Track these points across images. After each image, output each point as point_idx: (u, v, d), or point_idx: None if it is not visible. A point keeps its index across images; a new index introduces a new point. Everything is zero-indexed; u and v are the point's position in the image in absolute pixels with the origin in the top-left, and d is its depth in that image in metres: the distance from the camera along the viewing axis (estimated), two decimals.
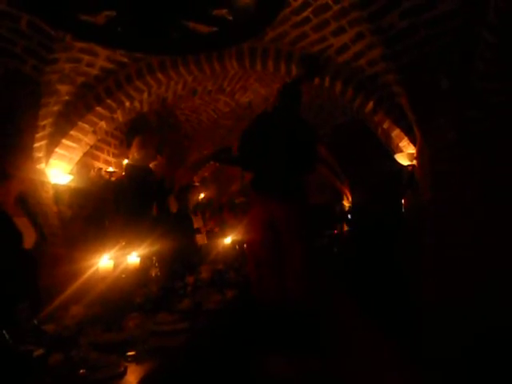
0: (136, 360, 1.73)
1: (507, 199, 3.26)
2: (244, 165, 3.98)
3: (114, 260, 2.66)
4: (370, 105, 4.00)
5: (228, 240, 5.72)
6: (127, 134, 5.54)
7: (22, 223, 2.50)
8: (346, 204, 7.17)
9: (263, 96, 5.77)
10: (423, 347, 3.07)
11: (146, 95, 4.69)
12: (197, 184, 7.10)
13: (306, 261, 3.40)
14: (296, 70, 4.10)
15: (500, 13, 3.02)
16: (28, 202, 2.75)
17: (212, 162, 7.32)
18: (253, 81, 5.38)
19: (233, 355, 2.82)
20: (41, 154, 4.12)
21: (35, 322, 1.82)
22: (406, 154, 3.90)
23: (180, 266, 3.80)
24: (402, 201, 4.36)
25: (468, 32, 3.25)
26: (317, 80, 4.07)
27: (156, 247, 3.42)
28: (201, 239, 5.35)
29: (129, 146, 5.17)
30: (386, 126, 4.02)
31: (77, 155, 4.57)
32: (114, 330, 2.00)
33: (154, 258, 3.05)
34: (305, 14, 3.61)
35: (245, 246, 6.21)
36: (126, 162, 4.98)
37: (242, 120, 6.45)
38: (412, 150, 3.88)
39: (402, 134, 3.92)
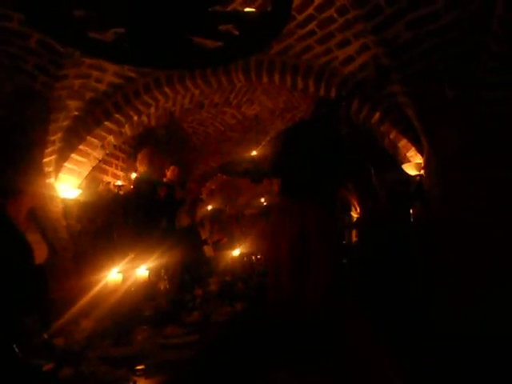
0: (145, 374, 1.73)
1: None
2: (275, 173, 4.00)
3: (123, 273, 2.67)
4: (377, 115, 4.01)
5: (236, 252, 5.71)
6: (136, 148, 5.60)
7: (34, 238, 2.53)
8: (354, 215, 7.14)
9: (270, 108, 5.81)
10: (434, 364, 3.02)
11: (153, 109, 4.75)
12: (204, 196, 7.13)
13: (332, 270, 3.40)
14: (302, 82, 4.14)
15: (504, 22, 3.04)
16: (38, 217, 2.78)
17: (220, 174, 7.34)
18: (259, 93, 5.42)
19: (241, 368, 2.80)
20: (50, 169, 4.17)
21: (45, 336, 1.83)
22: (413, 164, 3.89)
23: (189, 279, 3.80)
24: (411, 211, 4.33)
25: (472, 41, 3.26)
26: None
27: (164, 260, 3.42)
28: (208, 251, 5.35)
29: (137, 159, 5.23)
30: (392, 136, 4.02)
31: (86, 169, 4.62)
32: (123, 344, 2.00)
33: (163, 270, 3.06)
34: (310, 27, 3.64)
35: (259, 255, 6.21)
36: (134, 175, 5.02)
37: (249, 132, 6.49)
38: (419, 159, 3.87)
39: (410, 144, 3.92)
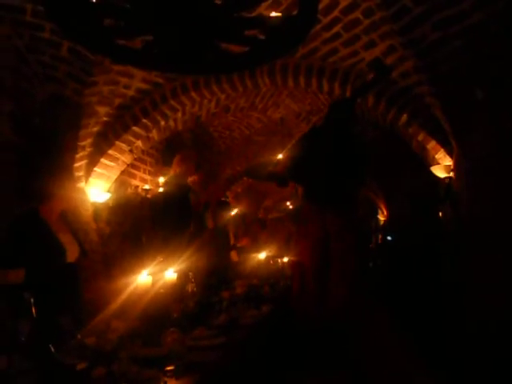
0: (175, 375, 1.75)
1: None
2: (295, 179, 4.00)
3: (153, 276, 2.71)
4: (404, 117, 3.96)
5: (262, 255, 5.72)
6: (164, 152, 5.69)
7: (65, 240, 2.60)
8: (382, 218, 7.06)
9: (295, 111, 5.82)
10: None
11: (180, 114, 4.82)
12: (230, 199, 7.18)
13: (355, 274, 3.38)
14: (327, 85, 4.13)
15: None
16: (69, 220, 2.86)
17: (245, 178, 7.38)
18: (284, 97, 5.43)
19: (268, 371, 2.81)
20: (81, 173, 4.28)
21: (79, 336, 1.88)
22: (442, 166, 3.82)
23: (215, 281, 3.84)
24: (440, 214, 4.26)
25: (500, 41, 3.19)
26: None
27: (192, 263, 3.47)
28: (233, 254, 5.38)
29: (165, 163, 5.30)
30: (420, 138, 3.96)
31: (114, 174, 4.72)
32: (152, 345, 2.04)
33: (191, 273, 3.09)
34: (335, 29, 3.64)
35: (290, 260, 6.20)
36: (161, 179, 5.10)
37: (274, 135, 6.51)
38: (449, 162, 3.80)
39: (438, 146, 3.86)
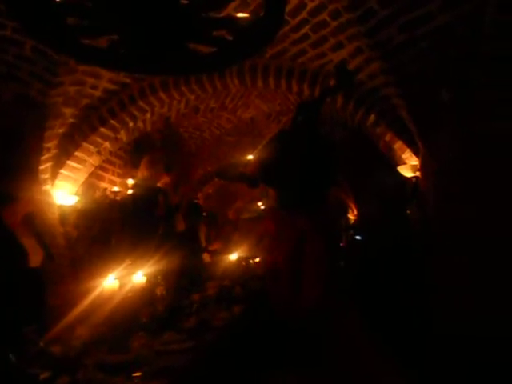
0: (142, 381, 1.72)
1: None
2: (265, 181, 3.98)
3: (120, 280, 2.66)
4: (372, 118, 4.03)
5: (234, 256, 5.70)
6: (132, 154, 5.60)
7: (30, 244, 2.53)
8: (352, 217, 7.16)
9: (265, 112, 5.83)
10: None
11: (149, 115, 4.75)
12: (201, 201, 7.13)
13: (329, 273, 3.40)
14: (296, 86, 4.15)
15: (496, 24, 3.06)
16: (35, 223, 2.78)
17: (216, 179, 7.35)
18: (254, 97, 5.44)
19: (239, 372, 2.80)
20: (46, 176, 4.17)
21: (41, 344, 1.82)
22: (409, 166, 3.90)
23: (186, 284, 3.80)
24: (408, 214, 4.34)
25: (466, 43, 3.27)
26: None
27: (162, 265, 3.42)
28: (205, 256, 5.34)
29: (134, 165, 5.22)
30: (388, 138, 4.04)
31: (82, 176, 4.62)
32: (119, 351, 2.00)
33: (160, 276, 3.05)
34: (303, 31, 3.66)
35: (260, 260, 6.20)
36: (130, 181, 5.02)
37: (244, 136, 6.51)
38: (415, 161, 3.88)
39: (405, 146, 3.93)
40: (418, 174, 3.87)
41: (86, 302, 2.31)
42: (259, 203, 7.97)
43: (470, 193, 3.32)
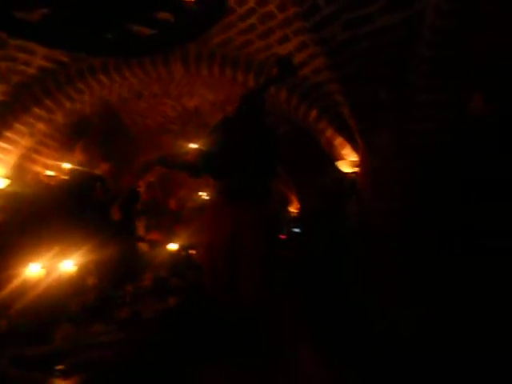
0: (64, 374, 1.64)
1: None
2: (205, 170, 3.90)
3: (47, 268, 2.53)
4: (314, 113, 4.08)
5: (174, 246, 5.61)
6: (70, 137, 5.33)
7: None
8: (293, 210, 7.26)
9: (210, 101, 5.75)
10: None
11: (87, 97, 4.54)
12: (143, 189, 6.95)
13: (267, 266, 3.39)
14: (242, 76, 4.12)
15: (435, 29, 3.18)
16: None
17: (159, 167, 7.18)
18: (199, 86, 5.33)
19: (169, 366, 2.75)
20: None
21: None
22: (348, 162, 3.99)
23: (121, 274, 3.68)
24: (346, 208, 4.44)
25: (406, 46, 3.38)
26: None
27: (95, 255, 3.29)
28: (144, 246, 5.21)
29: (71, 149, 4.98)
30: (329, 134, 4.11)
31: (12, 158, 4.35)
32: (41, 343, 1.89)
33: (92, 265, 2.93)
34: (250, 21, 3.64)
35: (197, 251, 6.13)
36: (66, 165, 4.78)
37: (189, 124, 6.39)
38: (354, 157, 3.98)
39: (345, 142, 4.02)
40: (356, 169, 3.97)
41: (6, 290, 2.17)
42: (202, 193, 7.88)
43: (400, 190, 3.44)
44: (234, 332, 3.24)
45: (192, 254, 6.06)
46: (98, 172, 4.31)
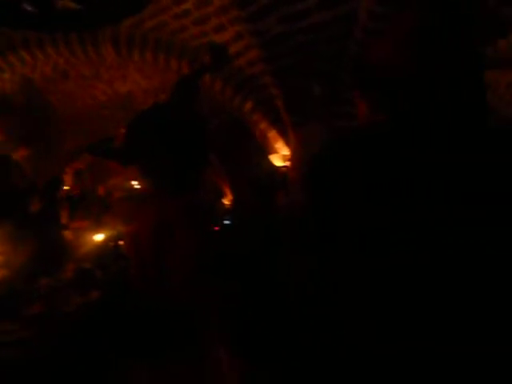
0: None
1: None
2: (130, 160, 3.71)
3: None
4: (249, 105, 4.05)
5: (100, 236, 5.37)
6: None
7: None
8: (226, 202, 7.21)
9: (143, 88, 5.54)
10: None
11: (7, 74, 4.21)
12: (70, 177, 6.60)
13: (198, 257, 3.31)
14: (175, 63, 3.99)
15: (365, 29, 3.25)
16: None
17: (87, 154, 6.84)
18: (132, 70, 5.11)
19: (90, 365, 2.61)
20: None
21: None
22: (280, 156, 4.01)
23: (38, 266, 3.45)
24: (277, 202, 4.46)
25: (339, 44, 3.43)
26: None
27: (9, 246, 3.05)
28: (68, 235, 4.95)
29: None
30: (263, 126, 4.10)
31: None
32: None
33: (1, 257, 2.71)
34: (186, 5, 3.51)
35: (125, 243, 5.90)
36: None
37: (121, 110, 6.13)
38: (286, 151, 4.00)
39: (278, 136, 4.03)
40: (288, 163, 3.99)
41: None
42: (134, 182, 7.62)
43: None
44: (161, 327, 3.15)
45: (121, 245, 5.85)
46: (15, 156, 4.00)
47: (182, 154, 3.29)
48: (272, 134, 4.06)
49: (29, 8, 1.99)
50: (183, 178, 3.33)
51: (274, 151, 4.08)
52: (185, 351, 3.02)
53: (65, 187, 5.52)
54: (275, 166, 4.15)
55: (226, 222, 5.78)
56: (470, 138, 0.78)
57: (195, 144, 3.36)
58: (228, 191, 6.99)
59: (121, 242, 5.94)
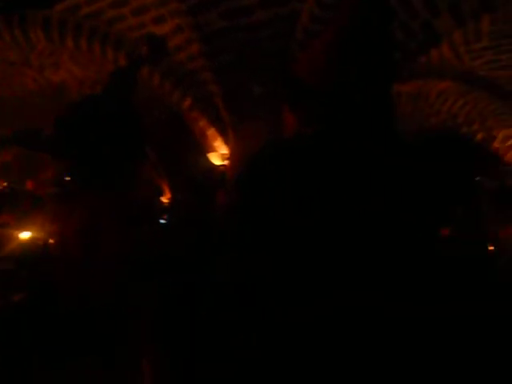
0: None
1: None
2: (61, 152, 3.48)
3: None
4: (188, 101, 3.95)
5: (26, 235, 5.05)
6: None
7: None
8: (165, 200, 7.04)
9: (79, 78, 5.26)
10: None
11: None
12: None
13: (124, 260, 3.15)
14: (112, 53, 3.82)
15: (307, 30, 3.27)
16: None
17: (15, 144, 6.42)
18: (66, 59, 4.83)
19: (11, 369, 2.42)
20: None
21: None
22: (219, 154, 3.95)
23: None
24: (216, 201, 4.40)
25: (281, 42, 3.42)
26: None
27: None
28: None
29: None
30: (202, 124, 4.02)
31: None
32: None
33: None
34: None
35: (52, 242, 5.58)
36: None
37: (52, 100, 5.79)
38: (225, 150, 3.94)
39: (217, 134, 3.96)
40: (226, 162, 3.94)
41: None
42: (66, 177, 7.24)
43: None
44: (84, 329, 2.99)
45: (49, 244, 5.53)
46: None
47: (115, 148, 3.14)
48: (211, 132, 3.99)
49: None
50: (116, 173, 3.18)
51: (213, 149, 4.02)
52: (105, 355, 2.89)
53: None
54: (213, 165, 4.09)
55: (162, 221, 5.64)
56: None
57: (130, 137, 3.23)
58: (167, 189, 6.83)
59: (50, 241, 5.63)
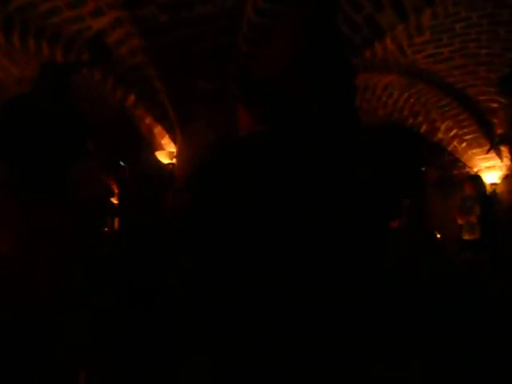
0: None
1: None
2: None
3: None
4: (132, 98, 3.81)
5: None
6: None
7: None
8: (115, 201, 6.82)
9: (16, 76, 4.97)
10: None
11: None
12: None
13: (68, 270, 2.98)
14: (48, 49, 3.61)
15: (252, 25, 3.21)
16: None
17: None
18: (1, 56, 4.55)
19: None
20: None
21: None
22: (167, 152, 3.84)
23: None
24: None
25: (226, 38, 3.35)
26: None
27: None
28: None
29: None
30: (148, 121, 3.89)
31: None
32: None
33: None
34: None
35: None
36: None
37: None
38: (173, 148, 3.84)
39: (164, 132, 3.85)
40: (174, 161, 3.84)
41: None
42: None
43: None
44: (21, 340, 2.82)
45: None
46: None
47: (52, 147, 2.97)
48: (158, 129, 3.87)
49: None
50: (55, 174, 3.02)
51: (161, 148, 3.90)
52: (46, 367, 2.72)
53: None
54: (162, 164, 3.97)
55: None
56: (336, 147, 0.92)
57: (70, 135, 3.07)
58: (116, 189, 6.61)
59: None
